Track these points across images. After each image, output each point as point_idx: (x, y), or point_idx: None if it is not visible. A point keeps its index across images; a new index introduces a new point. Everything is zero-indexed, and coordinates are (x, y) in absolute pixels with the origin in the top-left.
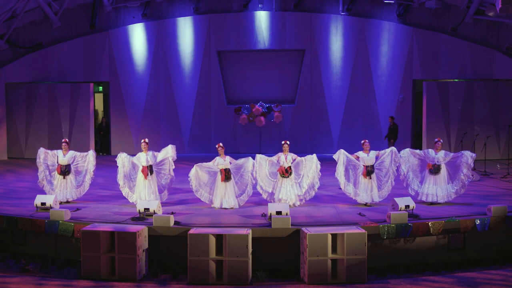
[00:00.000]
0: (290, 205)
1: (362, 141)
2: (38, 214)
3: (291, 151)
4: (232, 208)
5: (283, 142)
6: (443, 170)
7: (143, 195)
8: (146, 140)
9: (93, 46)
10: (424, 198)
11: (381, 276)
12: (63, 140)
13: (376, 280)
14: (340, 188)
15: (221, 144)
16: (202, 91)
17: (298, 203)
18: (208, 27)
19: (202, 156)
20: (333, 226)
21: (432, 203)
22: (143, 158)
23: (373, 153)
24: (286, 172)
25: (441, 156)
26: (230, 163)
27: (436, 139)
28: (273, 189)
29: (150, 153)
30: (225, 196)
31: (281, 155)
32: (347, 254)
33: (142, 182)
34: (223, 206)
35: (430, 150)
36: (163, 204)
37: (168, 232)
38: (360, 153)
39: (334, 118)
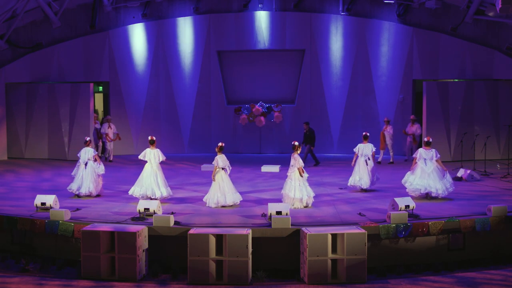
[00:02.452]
0: (304, 206)
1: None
2: (38, 214)
3: (291, 151)
4: (232, 204)
5: (297, 143)
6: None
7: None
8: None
9: (93, 46)
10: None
11: (381, 276)
12: (88, 139)
13: (376, 280)
14: (341, 188)
15: (219, 144)
16: (202, 91)
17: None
18: (208, 27)
19: (202, 156)
20: (333, 226)
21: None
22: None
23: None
24: (303, 171)
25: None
26: (224, 169)
27: (425, 139)
28: (288, 190)
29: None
30: (223, 193)
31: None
32: (347, 254)
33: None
34: (220, 204)
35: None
36: (163, 204)
37: (168, 232)
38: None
39: (334, 118)
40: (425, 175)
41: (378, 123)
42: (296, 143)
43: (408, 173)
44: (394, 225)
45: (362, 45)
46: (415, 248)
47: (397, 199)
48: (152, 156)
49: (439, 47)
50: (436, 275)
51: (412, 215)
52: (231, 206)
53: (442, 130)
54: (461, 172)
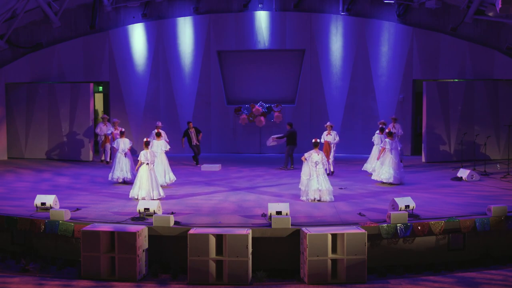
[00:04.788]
0: (327, 200)
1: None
2: (38, 214)
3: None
4: (160, 198)
5: (319, 140)
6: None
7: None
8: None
9: (93, 46)
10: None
11: (381, 276)
12: (123, 130)
13: (376, 280)
14: (341, 188)
15: (144, 139)
16: (202, 91)
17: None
18: (208, 27)
19: (202, 156)
20: (333, 226)
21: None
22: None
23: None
24: None
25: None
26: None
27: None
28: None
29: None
30: (143, 187)
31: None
32: (347, 254)
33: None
34: (136, 196)
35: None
36: (163, 204)
37: (168, 232)
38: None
39: (334, 118)
40: (395, 164)
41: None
42: (318, 140)
43: (378, 162)
44: (394, 225)
45: (362, 45)
46: (415, 248)
47: (397, 199)
48: (159, 146)
49: (439, 47)
50: (436, 275)
51: (412, 215)
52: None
53: (442, 130)
54: (461, 172)
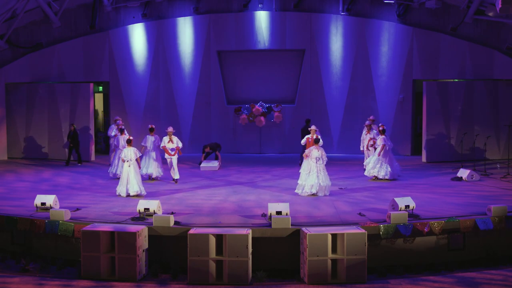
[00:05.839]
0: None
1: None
2: (38, 214)
3: (290, 151)
4: (138, 194)
5: (319, 137)
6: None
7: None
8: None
9: (93, 46)
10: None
11: (381, 276)
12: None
13: (376, 280)
14: (340, 188)
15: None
16: (202, 91)
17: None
18: (208, 27)
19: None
20: (333, 226)
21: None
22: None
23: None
24: None
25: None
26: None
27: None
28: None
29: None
30: (124, 184)
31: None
32: (347, 254)
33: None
34: (129, 194)
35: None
36: (163, 204)
37: (168, 232)
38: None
39: (334, 118)
40: (390, 161)
41: (378, 123)
42: (319, 137)
43: (382, 160)
44: (394, 225)
45: (362, 45)
46: (415, 248)
47: (397, 199)
48: (152, 142)
49: (439, 47)
50: (436, 275)
51: (412, 215)
52: (136, 196)
53: (442, 130)
54: (461, 172)
